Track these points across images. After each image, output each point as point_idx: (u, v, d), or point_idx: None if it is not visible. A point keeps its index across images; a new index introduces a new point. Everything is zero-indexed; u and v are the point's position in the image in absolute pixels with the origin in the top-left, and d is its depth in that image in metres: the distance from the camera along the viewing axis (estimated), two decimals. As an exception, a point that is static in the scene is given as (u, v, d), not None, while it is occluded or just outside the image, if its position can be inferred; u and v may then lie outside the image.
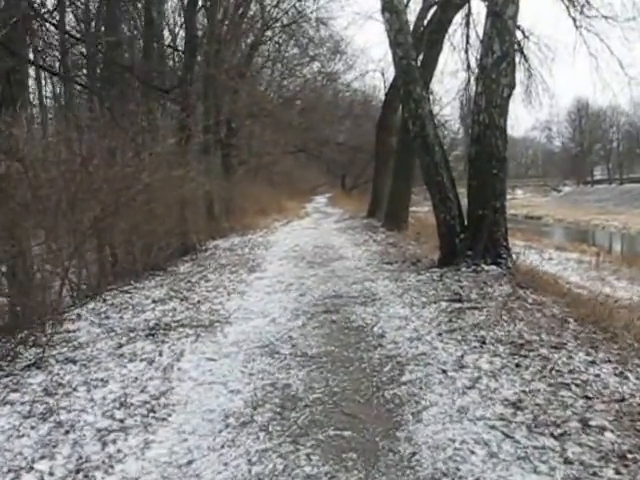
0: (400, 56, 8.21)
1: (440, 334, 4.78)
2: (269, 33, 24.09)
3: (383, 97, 24.54)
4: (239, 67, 20.43)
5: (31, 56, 8.34)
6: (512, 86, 8.03)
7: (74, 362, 4.27)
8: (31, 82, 20.91)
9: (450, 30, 15.01)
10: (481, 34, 8.59)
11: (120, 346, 4.69)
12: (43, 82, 20.55)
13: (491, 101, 7.80)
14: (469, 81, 17.10)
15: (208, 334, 5.00)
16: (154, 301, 6.58)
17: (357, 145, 31.56)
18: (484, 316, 5.31)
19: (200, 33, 18.56)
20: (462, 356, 4.16)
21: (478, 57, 16.09)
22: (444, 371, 3.87)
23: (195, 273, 8.85)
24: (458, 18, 15.26)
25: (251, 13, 22.37)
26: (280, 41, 25.49)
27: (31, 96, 20.16)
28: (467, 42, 16.40)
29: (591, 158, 66.23)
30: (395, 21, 8.18)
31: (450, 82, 43.57)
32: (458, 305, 5.75)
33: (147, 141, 8.84)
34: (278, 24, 23.45)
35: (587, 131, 65.22)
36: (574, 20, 14.85)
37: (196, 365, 4.17)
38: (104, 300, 6.94)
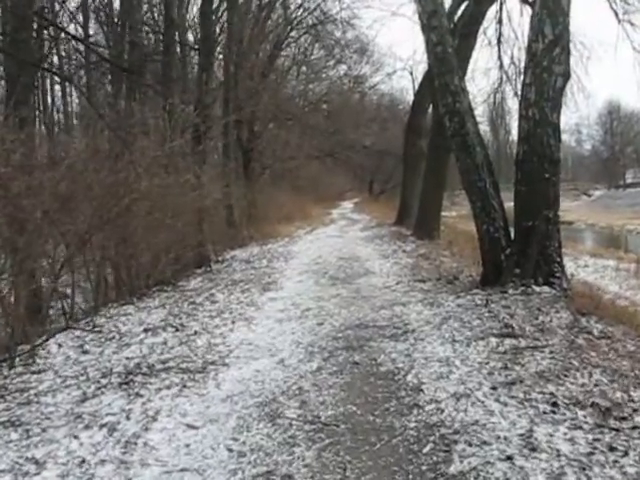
0: (434, 42, 7.07)
1: (495, 388, 3.64)
2: (294, 34, 23.28)
3: (411, 99, 23.49)
4: (261, 68, 19.57)
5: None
6: (567, 75, 6.87)
7: (16, 426, 3.26)
8: (57, 88, 20.56)
9: (480, 28, 13.98)
10: (515, 30, 7.50)
11: (84, 399, 3.68)
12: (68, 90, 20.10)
13: (542, 93, 6.67)
14: (502, 80, 16.06)
15: (196, 383, 3.94)
16: (146, 330, 5.59)
17: (384, 149, 30.48)
18: (547, 359, 4.17)
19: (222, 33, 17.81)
20: (530, 430, 3.02)
21: (510, 55, 15.25)
22: (509, 457, 2.74)
23: (203, 291, 7.88)
24: (490, 15, 14.25)
25: (275, 15, 21.61)
26: (306, 44, 24.67)
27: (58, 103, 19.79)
28: (499, 39, 15.31)
29: (623, 161, 63.93)
30: (428, 2, 7.06)
31: (481, 82, 42.31)
32: (512, 342, 4.61)
33: (148, 143, 7.88)
34: (303, 25, 22.59)
35: (618, 134, 63.10)
36: (616, 14, 13.67)
37: (169, 437, 3.10)
38: (94, 325, 6.03)
